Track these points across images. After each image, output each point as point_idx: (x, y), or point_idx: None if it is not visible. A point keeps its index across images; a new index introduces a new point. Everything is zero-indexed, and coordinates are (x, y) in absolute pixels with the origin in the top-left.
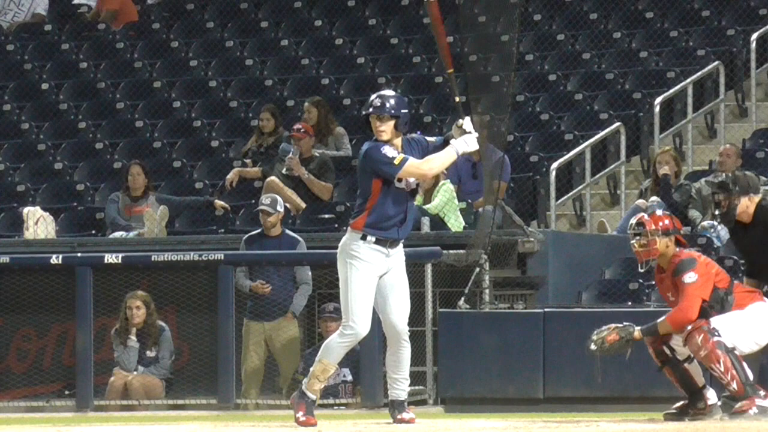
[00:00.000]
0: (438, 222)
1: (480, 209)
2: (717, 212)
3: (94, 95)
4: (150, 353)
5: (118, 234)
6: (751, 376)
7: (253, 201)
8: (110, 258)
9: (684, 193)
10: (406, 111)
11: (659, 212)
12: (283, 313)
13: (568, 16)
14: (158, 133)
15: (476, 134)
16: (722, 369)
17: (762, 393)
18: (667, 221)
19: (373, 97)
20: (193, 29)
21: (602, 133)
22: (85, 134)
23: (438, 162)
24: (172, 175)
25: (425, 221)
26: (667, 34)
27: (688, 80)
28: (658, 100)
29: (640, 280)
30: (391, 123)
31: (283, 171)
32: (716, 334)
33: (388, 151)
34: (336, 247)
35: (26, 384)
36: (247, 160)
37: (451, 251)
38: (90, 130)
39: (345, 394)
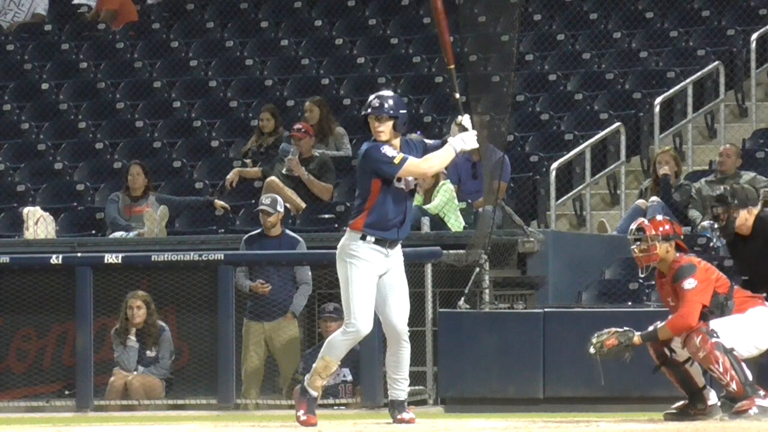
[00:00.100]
0: (438, 222)
1: (480, 209)
2: (716, 225)
3: (94, 95)
4: (150, 353)
5: (118, 234)
6: (750, 377)
7: (253, 201)
8: (110, 258)
9: (684, 193)
10: (405, 111)
11: (659, 217)
12: (283, 313)
13: (568, 16)
14: (158, 133)
15: (475, 132)
16: (721, 370)
17: (762, 393)
18: (667, 226)
19: (371, 97)
20: (193, 29)
21: (602, 133)
22: (85, 134)
23: (437, 160)
24: (172, 175)
25: (425, 221)
26: (667, 34)
27: (688, 80)
28: (658, 100)
29: (640, 280)
30: (390, 123)
31: (283, 171)
32: (715, 335)
33: (387, 150)
34: (336, 247)
35: (26, 384)
36: (247, 160)
37: (451, 251)
38: (90, 130)
39: (345, 394)
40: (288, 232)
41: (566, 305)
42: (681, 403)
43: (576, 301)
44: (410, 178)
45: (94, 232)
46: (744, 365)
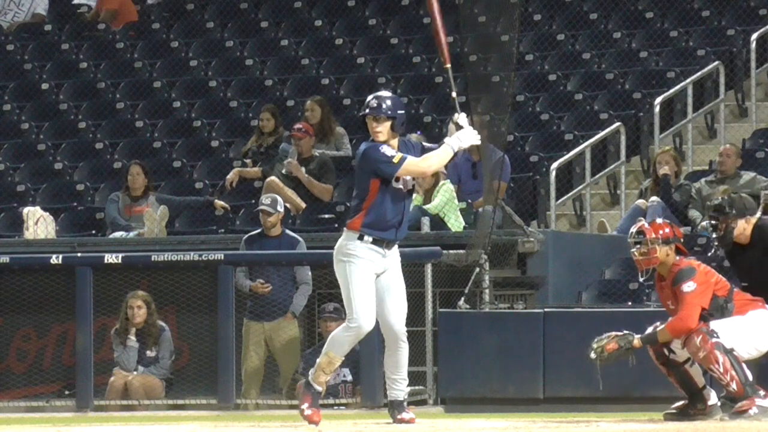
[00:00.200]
0: (438, 222)
1: (480, 209)
2: (714, 235)
3: (94, 95)
4: (150, 353)
5: (118, 234)
6: (750, 377)
7: (253, 201)
8: (110, 258)
9: (684, 193)
10: (403, 112)
11: (659, 220)
12: (283, 313)
13: (568, 16)
14: (158, 133)
15: (469, 129)
16: (721, 370)
17: (762, 393)
18: (667, 229)
19: (369, 98)
20: (193, 29)
21: (602, 133)
22: (85, 134)
23: (436, 159)
24: (172, 175)
25: (425, 221)
26: (667, 34)
27: (688, 80)
28: (658, 100)
29: (640, 281)
30: (388, 124)
31: (283, 171)
32: (715, 335)
33: (386, 150)
34: None
35: (26, 384)
36: (247, 160)
37: (451, 251)
38: (90, 130)
39: (345, 394)
40: (288, 232)
41: (566, 305)
42: (681, 403)
43: (576, 301)
44: (408, 178)
45: (94, 232)
46: (744, 365)
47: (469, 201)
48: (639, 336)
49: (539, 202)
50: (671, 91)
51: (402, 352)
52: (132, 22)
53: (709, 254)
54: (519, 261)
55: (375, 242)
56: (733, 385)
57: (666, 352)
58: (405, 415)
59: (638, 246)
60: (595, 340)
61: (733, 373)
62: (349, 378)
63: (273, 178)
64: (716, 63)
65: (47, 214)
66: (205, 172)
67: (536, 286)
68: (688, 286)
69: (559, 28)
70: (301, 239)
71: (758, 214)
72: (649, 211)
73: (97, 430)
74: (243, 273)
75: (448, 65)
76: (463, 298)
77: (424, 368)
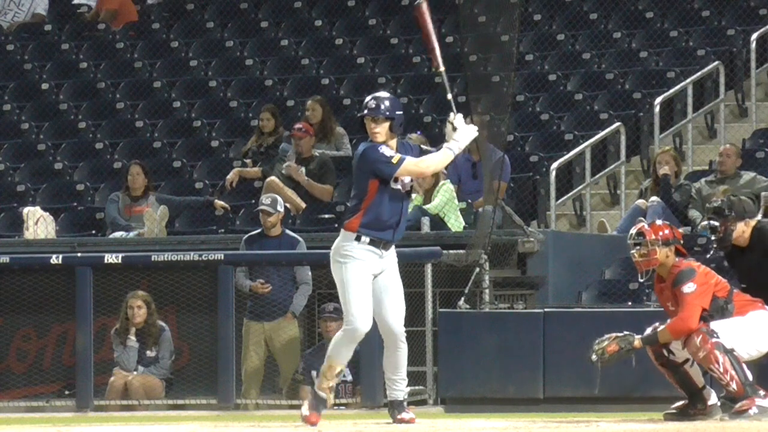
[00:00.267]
0: (438, 222)
1: (480, 209)
2: (713, 237)
3: (94, 95)
4: (150, 353)
5: (118, 234)
6: (750, 377)
7: (253, 201)
8: (110, 258)
9: (684, 193)
10: (401, 113)
11: (659, 222)
12: (283, 313)
13: (568, 16)
14: (158, 133)
15: (465, 126)
16: (721, 370)
17: (762, 393)
18: (667, 231)
19: (367, 98)
20: (193, 29)
21: (602, 133)
22: (85, 134)
23: (435, 160)
24: (172, 175)
25: (425, 221)
26: (667, 34)
27: (688, 80)
28: (658, 100)
29: (640, 280)
30: (386, 125)
31: (283, 171)
32: (715, 335)
33: (385, 150)
34: None
35: (26, 384)
36: (247, 160)
37: (451, 251)
38: (90, 130)
39: (345, 394)
40: (288, 232)
41: (566, 305)
42: (681, 403)
43: (576, 301)
44: (407, 179)
45: (94, 232)
46: (744, 365)
47: (469, 201)
48: (639, 337)
49: (539, 202)
50: (671, 91)
51: (401, 353)
52: (132, 22)
53: (709, 255)
54: (519, 261)
55: (372, 243)
56: (733, 385)
57: (665, 352)
58: (405, 415)
59: (638, 247)
60: (596, 341)
61: (733, 373)
62: (349, 378)
63: (273, 178)
64: (716, 63)
65: (47, 214)
66: (205, 172)
67: (536, 286)
68: (689, 287)
69: (559, 28)
70: (301, 239)
71: (758, 216)
72: (649, 211)
73: (97, 430)
74: (243, 273)
75: (442, 69)
76: (463, 298)
77: (424, 368)
